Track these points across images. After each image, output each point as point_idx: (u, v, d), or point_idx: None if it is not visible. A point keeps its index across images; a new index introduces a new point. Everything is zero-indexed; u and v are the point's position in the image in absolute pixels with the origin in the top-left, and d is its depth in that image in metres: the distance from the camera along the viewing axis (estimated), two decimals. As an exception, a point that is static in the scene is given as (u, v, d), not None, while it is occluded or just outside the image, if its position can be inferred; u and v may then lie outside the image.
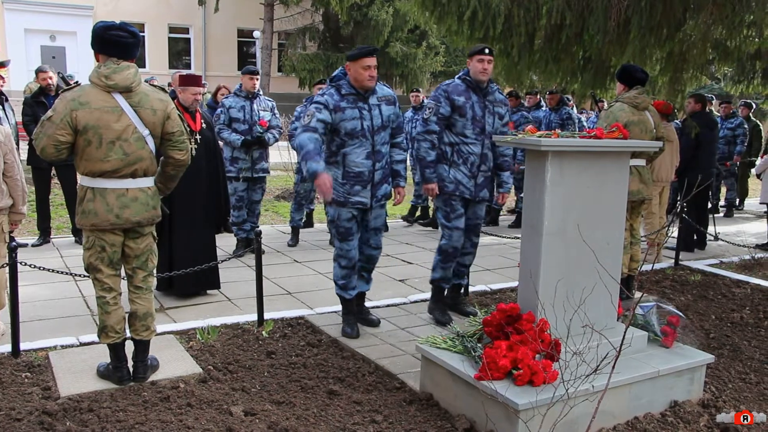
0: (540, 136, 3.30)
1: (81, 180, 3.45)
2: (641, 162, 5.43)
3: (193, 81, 5.09)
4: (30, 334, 4.27)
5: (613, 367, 2.25)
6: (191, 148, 5.12)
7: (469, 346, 3.38)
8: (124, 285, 3.62)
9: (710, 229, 7.96)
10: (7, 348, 4.01)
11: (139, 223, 3.47)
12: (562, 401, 2.87)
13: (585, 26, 5.71)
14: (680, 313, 3.85)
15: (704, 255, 7.50)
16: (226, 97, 6.78)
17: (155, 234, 3.67)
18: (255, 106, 6.64)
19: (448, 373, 3.36)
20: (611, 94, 6.59)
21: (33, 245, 6.90)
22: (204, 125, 5.21)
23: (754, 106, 11.65)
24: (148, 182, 3.53)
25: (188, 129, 5.15)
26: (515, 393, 2.99)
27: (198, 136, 5.10)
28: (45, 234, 7.08)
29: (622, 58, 5.63)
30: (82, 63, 22.77)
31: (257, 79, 6.65)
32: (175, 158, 3.61)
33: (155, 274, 3.77)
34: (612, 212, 3.48)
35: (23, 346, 4.03)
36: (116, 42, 3.35)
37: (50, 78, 6.95)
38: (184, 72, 5.77)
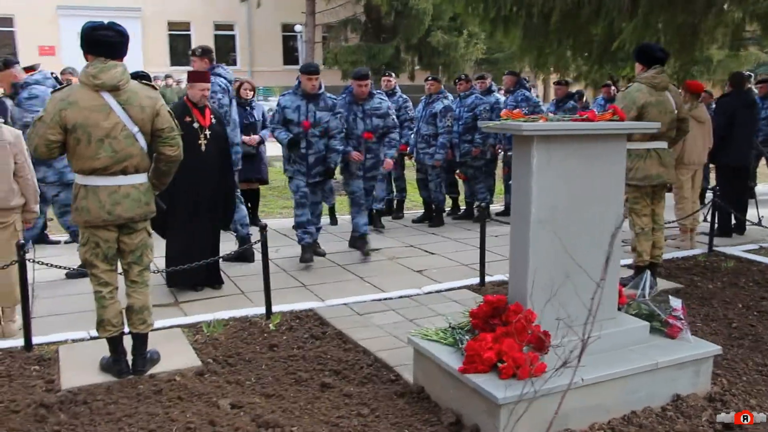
0: (526, 120, 3.20)
1: (74, 178, 3.54)
2: (663, 144, 5.19)
3: (200, 77, 5.13)
4: (45, 328, 4.40)
5: (579, 359, 2.14)
6: (200, 144, 5.20)
7: (457, 339, 3.31)
8: (121, 280, 3.69)
9: (752, 212, 7.58)
10: (20, 342, 4.14)
11: (132, 219, 3.53)
12: (545, 395, 2.78)
13: (602, 3, 5.50)
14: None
15: (743, 240, 7.14)
16: (283, 95, 6.22)
17: (150, 229, 3.72)
18: (311, 107, 5.99)
19: (436, 366, 3.29)
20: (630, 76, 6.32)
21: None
22: (214, 120, 5.25)
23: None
24: (140, 178, 3.58)
25: (193, 125, 5.21)
26: (497, 386, 2.90)
27: (208, 132, 5.15)
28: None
29: (626, 33, 5.38)
30: (129, 64, 23.34)
31: (315, 79, 5.93)
32: (166, 154, 3.64)
33: (152, 269, 3.83)
34: (606, 198, 3.33)
35: (36, 340, 4.15)
36: (103, 41, 3.42)
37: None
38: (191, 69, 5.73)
